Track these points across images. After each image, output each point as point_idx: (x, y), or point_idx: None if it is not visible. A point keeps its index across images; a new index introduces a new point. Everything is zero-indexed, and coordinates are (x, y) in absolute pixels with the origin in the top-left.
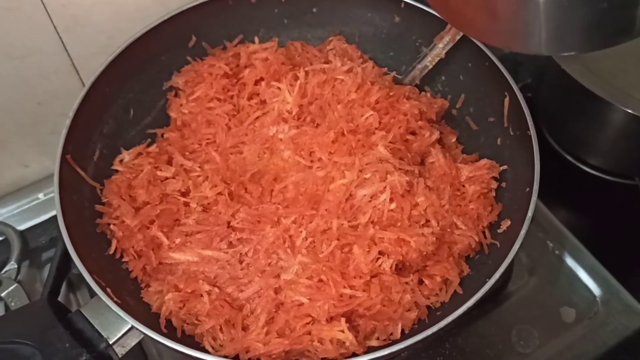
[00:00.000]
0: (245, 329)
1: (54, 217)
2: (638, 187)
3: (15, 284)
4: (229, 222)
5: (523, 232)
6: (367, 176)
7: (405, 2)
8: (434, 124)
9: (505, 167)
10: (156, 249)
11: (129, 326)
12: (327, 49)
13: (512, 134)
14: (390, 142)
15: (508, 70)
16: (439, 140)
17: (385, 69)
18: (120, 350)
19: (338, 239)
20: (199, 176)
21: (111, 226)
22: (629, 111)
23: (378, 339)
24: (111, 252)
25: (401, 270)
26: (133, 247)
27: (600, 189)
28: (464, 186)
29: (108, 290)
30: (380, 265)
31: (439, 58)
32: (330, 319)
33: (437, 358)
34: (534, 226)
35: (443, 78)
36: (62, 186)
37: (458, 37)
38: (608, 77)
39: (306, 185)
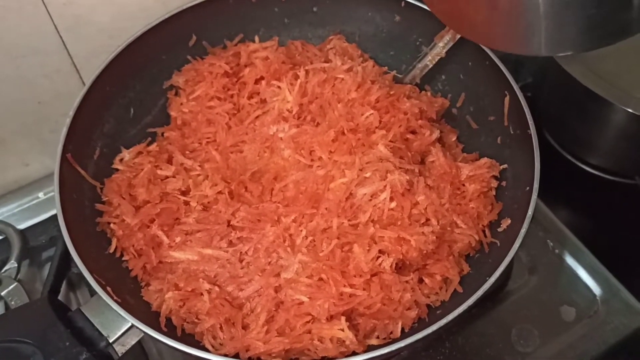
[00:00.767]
0: (245, 327)
1: (54, 216)
2: (638, 186)
3: (16, 283)
4: (229, 221)
5: (523, 231)
6: (368, 175)
7: (406, 1)
8: (434, 123)
9: (505, 166)
10: (156, 248)
11: (129, 325)
12: (327, 48)
13: (512, 133)
14: (390, 141)
15: (509, 70)
16: (439, 139)
17: (386, 68)
18: (120, 349)
19: (338, 238)
20: (199, 175)
21: (111, 225)
22: (630, 110)
23: (378, 337)
24: (111, 250)
25: (401, 269)
26: (133, 245)
27: (600, 189)
28: (464, 185)
29: (108, 289)
30: (380, 264)
31: (439, 57)
32: (330, 318)
33: (437, 357)
34: (534, 225)
35: (443, 77)
36: (62, 185)
37: (458, 37)
38: (609, 77)
39: (306, 184)
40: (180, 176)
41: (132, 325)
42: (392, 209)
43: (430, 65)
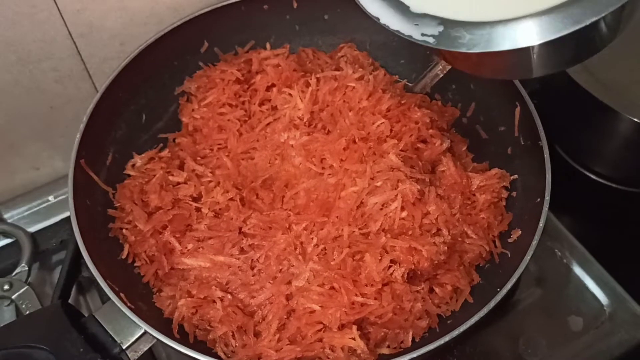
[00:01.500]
0: (257, 335)
1: (65, 220)
2: None
3: (26, 287)
4: (240, 228)
5: (534, 243)
6: (379, 184)
7: None
8: (445, 132)
9: (515, 176)
10: (168, 254)
11: (142, 331)
12: (338, 56)
13: (522, 143)
14: (401, 150)
15: None
16: (449, 149)
17: (397, 76)
18: (133, 355)
19: (349, 247)
20: (210, 181)
21: (124, 231)
22: (637, 120)
23: (389, 346)
24: (123, 256)
25: (412, 279)
26: (145, 251)
27: (607, 197)
28: (474, 195)
29: (122, 295)
30: (392, 274)
31: (450, 66)
32: (342, 327)
33: None
34: (542, 234)
35: (454, 86)
36: (75, 191)
37: None
38: (616, 87)
39: (317, 192)
40: (192, 182)
41: (145, 332)
42: (403, 219)
43: (441, 75)
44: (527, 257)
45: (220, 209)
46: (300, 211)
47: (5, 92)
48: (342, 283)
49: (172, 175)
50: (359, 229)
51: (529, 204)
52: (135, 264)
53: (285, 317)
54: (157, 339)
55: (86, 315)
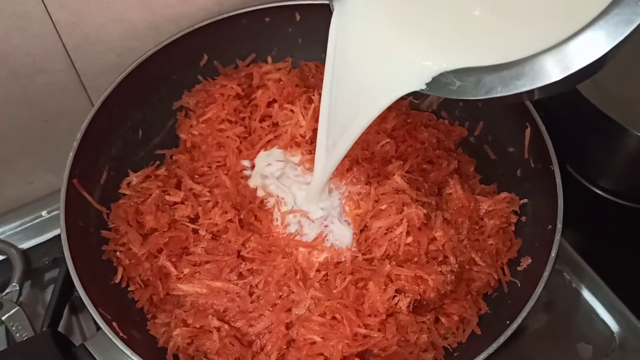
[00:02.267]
0: None
1: (57, 237)
2: None
3: (17, 307)
4: (239, 252)
5: (546, 274)
6: (383, 207)
7: None
8: (452, 152)
9: (525, 200)
10: (164, 279)
11: None
12: None
13: (533, 166)
14: (407, 172)
15: None
16: (456, 170)
17: None
18: None
19: (352, 273)
20: (208, 201)
21: (117, 253)
22: None
23: None
24: (117, 281)
25: (417, 309)
26: (140, 275)
27: (615, 214)
28: (482, 219)
29: (114, 324)
30: (396, 304)
31: None
32: (344, 359)
33: None
34: None
35: (461, 104)
36: (67, 211)
37: None
38: (626, 103)
39: None
40: (189, 202)
41: None
42: (408, 244)
43: None
44: (539, 290)
45: (218, 231)
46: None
47: None
48: (345, 313)
49: (169, 194)
50: (362, 254)
51: (539, 230)
52: (129, 289)
53: (285, 347)
54: None
55: (77, 343)
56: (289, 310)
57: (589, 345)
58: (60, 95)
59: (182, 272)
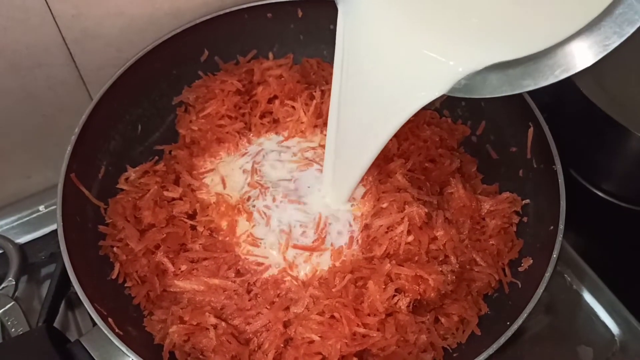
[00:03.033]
0: None
1: (55, 232)
2: None
3: (13, 302)
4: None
5: (547, 275)
6: (384, 205)
7: None
8: (454, 151)
9: (527, 201)
10: (161, 275)
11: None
12: None
13: (535, 166)
14: (409, 170)
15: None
16: (458, 169)
17: None
18: None
19: (352, 272)
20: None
21: (115, 249)
22: None
23: None
24: (114, 277)
25: (417, 308)
26: (137, 271)
27: (618, 217)
28: (484, 219)
29: (110, 320)
30: (396, 303)
31: None
32: (342, 358)
33: None
34: None
35: (463, 103)
36: (65, 206)
37: None
38: (629, 105)
39: None
40: (187, 198)
41: None
42: (409, 243)
43: None
44: (540, 291)
45: (216, 227)
46: None
47: None
48: (344, 312)
49: (167, 190)
50: (362, 252)
51: (541, 231)
52: (126, 285)
53: (283, 345)
54: None
55: (72, 339)
56: (287, 308)
57: (590, 348)
58: (59, 89)
59: (180, 269)
